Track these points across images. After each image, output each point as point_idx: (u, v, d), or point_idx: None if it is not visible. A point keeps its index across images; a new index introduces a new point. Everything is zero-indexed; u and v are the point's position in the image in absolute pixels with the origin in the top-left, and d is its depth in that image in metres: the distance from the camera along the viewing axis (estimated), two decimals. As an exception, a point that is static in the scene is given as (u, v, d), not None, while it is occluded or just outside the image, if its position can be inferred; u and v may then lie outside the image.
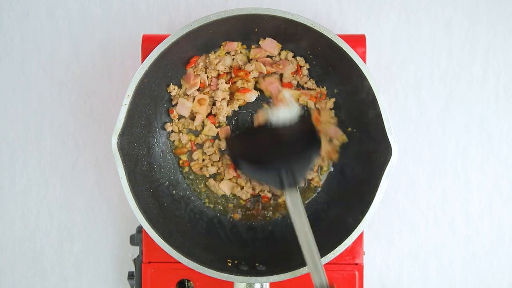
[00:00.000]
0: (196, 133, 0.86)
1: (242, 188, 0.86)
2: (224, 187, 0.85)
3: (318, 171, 0.86)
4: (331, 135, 0.84)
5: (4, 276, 0.93)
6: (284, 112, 0.76)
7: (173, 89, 0.84)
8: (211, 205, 0.86)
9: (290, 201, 0.70)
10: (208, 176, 0.86)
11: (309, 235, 0.68)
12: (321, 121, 0.84)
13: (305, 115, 0.79)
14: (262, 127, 0.79)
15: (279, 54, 0.84)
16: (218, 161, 0.85)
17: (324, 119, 0.84)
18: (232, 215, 0.86)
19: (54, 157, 0.93)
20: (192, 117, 0.85)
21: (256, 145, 0.76)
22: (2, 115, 0.93)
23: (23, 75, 0.93)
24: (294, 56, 0.84)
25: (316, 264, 0.68)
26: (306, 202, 0.86)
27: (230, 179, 0.86)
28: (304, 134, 0.76)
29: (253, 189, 0.86)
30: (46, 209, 0.93)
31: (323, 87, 0.84)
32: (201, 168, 0.86)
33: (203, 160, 0.85)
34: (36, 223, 0.93)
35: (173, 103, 0.84)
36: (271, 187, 0.85)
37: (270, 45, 0.83)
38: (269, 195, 0.86)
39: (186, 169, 0.86)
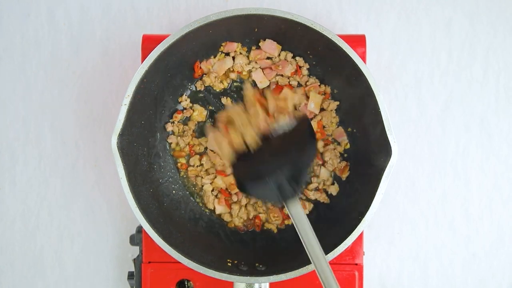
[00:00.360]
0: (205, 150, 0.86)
1: (232, 216, 0.85)
2: (219, 207, 0.85)
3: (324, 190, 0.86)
4: (336, 137, 0.84)
5: (4, 276, 0.93)
6: (284, 121, 0.73)
7: (185, 100, 0.84)
8: (206, 211, 0.86)
9: (292, 213, 0.67)
10: (201, 185, 0.85)
11: (316, 246, 0.65)
12: (324, 124, 0.84)
13: (304, 118, 0.76)
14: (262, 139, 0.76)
15: (279, 55, 0.84)
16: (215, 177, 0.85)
17: (326, 120, 0.84)
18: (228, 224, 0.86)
19: (54, 157, 0.93)
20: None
21: (255, 163, 0.73)
22: (2, 115, 0.93)
23: (23, 75, 0.93)
24: (293, 57, 0.84)
25: (326, 275, 0.65)
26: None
27: (226, 200, 0.85)
28: (300, 138, 0.72)
29: (247, 215, 0.85)
30: (46, 209, 0.93)
31: (327, 86, 0.84)
32: (196, 176, 0.86)
33: (200, 165, 0.85)
34: (36, 223, 0.93)
35: (181, 111, 0.84)
36: (273, 203, 0.83)
37: (270, 47, 0.83)
38: (262, 216, 0.85)
39: (183, 173, 0.86)
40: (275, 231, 0.85)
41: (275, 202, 0.70)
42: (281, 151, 0.71)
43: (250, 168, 0.72)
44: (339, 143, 0.85)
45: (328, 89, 0.84)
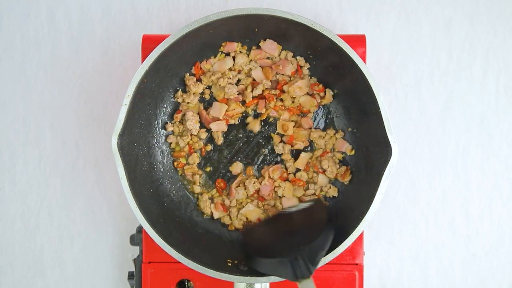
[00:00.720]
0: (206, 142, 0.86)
1: (231, 218, 0.85)
2: (216, 213, 0.84)
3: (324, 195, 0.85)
4: (340, 149, 0.84)
5: (4, 276, 0.93)
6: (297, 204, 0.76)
7: (180, 96, 0.84)
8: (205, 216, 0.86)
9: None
10: (198, 184, 0.85)
11: None
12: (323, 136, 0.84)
13: (319, 203, 0.78)
14: (276, 216, 0.79)
15: (279, 54, 0.84)
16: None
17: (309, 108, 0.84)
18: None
19: (54, 157, 0.93)
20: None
21: (269, 238, 0.75)
22: (2, 115, 0.93)
23: (23, 75, 0.93)
24: (294, 56, 0.84)
25: None
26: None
27: (222, 204, 0.85)
28: (316, 221, 0.74)
29: (246, 218, 0.85)
30: (46, 209, 0.93)
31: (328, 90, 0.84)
32: (193, 174, 0.85)
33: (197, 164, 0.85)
34: (36, 223, 0.93)
35: (181, 111, 0.84)
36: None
37: (270, 47, 0.83)
38: (262, 217, 0.85)
39: (180, 171, 0.86)
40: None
41: (289, 279, 0.70)
42: (297, 231, 0.73)
43: (264, 242, 0.74)
44: (342, 152, 0.84)
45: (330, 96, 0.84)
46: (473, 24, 0.92)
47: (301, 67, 0.84)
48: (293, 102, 0.84)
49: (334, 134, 0.84)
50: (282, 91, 0.84)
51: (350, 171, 0.83)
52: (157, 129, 0.84)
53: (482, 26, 0.92)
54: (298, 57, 0.84)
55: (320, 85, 0.84)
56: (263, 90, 0.84)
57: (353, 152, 0.83)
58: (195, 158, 0.85)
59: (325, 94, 0.84)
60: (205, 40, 0.79)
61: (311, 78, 0.84)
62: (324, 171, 0.84)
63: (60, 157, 0.93)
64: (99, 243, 0.93)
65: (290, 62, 0.83)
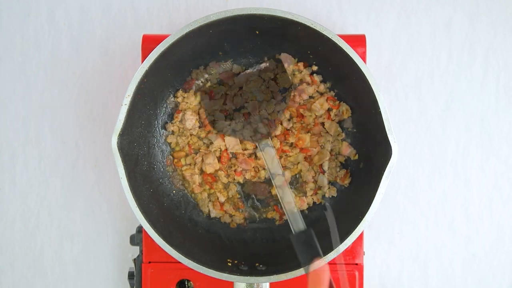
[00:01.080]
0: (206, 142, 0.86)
1: (231, 215, 0.85)
2: (213, 211, 0.85)
3: (323, 196, 0.85)
4: (344, 153, 0.84)
5: (4, 276, 0.93)
6: None
7: (180, 96, 0.84)
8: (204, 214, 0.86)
9: (263, 149, 0.73)
10: (198, 184, 0.85)
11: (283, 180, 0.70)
12: (330, 140, 0.84)
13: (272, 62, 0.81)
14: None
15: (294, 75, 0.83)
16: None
17: (332, 132, 0.84)
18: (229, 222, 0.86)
19: (54, 157, 0.93)
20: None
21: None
22: (2, 115, 0.93)
23: (23, 75, 0.93)
24: (294, 58, 0.83)
25: (291, 208, 0.70)
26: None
27: (221, 204, 0.85)
28: None
29: (247, 215, 0.85)
30: (46, 209, 0.93)
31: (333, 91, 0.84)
32: (191, 175, 0.85)
33: (195, 164, 0.85)
34: (36, 223, 0.93)
35: (180, 111, 0.84)
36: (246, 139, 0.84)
37: (285, 60, 0.82)
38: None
39: (179, 171, 0.86)
40: (277, 222, 0.85)
41: (249, 140, 0.78)
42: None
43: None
44: (345, 156, 0.84)
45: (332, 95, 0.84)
46: (473, 24, 0.92)
47: (312, 74, 0.83)
48: (314, 119, 0.84)
49: (338, 135, 0.84)
50: (302, 116, 0.84)
51: (349, 174, 0.83)
52: (157, 129, 0.84)
53: (482, 26, 0.92)
54: (304, 70, 0.84)
55: (337, 102, 0.83)
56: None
57: (356, 157, 0.83)
58: (192, 159, 0.85)
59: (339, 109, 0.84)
60: (205, 40, 0.79)
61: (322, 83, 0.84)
62: (323, 172, 0.84)
63: (60, 157, 0.93)
64: (99, 243, 0.93)
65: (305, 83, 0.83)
